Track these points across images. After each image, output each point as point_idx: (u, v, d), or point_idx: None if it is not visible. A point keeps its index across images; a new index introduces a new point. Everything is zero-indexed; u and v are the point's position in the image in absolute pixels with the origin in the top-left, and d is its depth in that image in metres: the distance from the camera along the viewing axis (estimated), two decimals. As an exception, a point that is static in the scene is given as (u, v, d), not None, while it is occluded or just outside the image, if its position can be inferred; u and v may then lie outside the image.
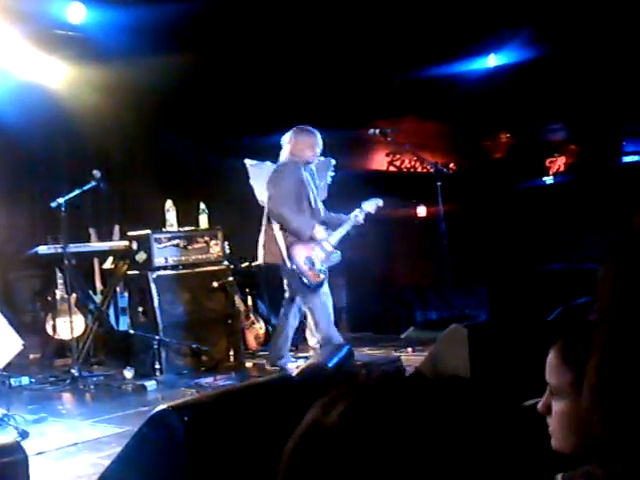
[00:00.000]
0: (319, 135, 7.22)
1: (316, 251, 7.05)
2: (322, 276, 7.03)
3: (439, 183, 6.52)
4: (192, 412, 3.33)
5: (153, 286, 7.59)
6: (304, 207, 7.11)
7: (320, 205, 7.31)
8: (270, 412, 3.74)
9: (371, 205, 7.34)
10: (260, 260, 7.42)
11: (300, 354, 8.09)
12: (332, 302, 7.21)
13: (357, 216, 7.30)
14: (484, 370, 5.17)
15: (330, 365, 4.44)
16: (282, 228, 7.02)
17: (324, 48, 9.41)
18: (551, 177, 10.55)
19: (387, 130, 6.75)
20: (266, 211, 7.19)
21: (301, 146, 7.14)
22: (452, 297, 7.58)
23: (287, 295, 7.31)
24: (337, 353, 4.82)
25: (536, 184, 10.43)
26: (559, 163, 10.71)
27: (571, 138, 10.63)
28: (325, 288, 7.11)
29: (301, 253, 6.99)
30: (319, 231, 7.12)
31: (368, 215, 7.34)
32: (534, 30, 9.50)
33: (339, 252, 7.19)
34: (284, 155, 7.21)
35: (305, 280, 6.97)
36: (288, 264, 6.98)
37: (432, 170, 6.69)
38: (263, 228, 7.22)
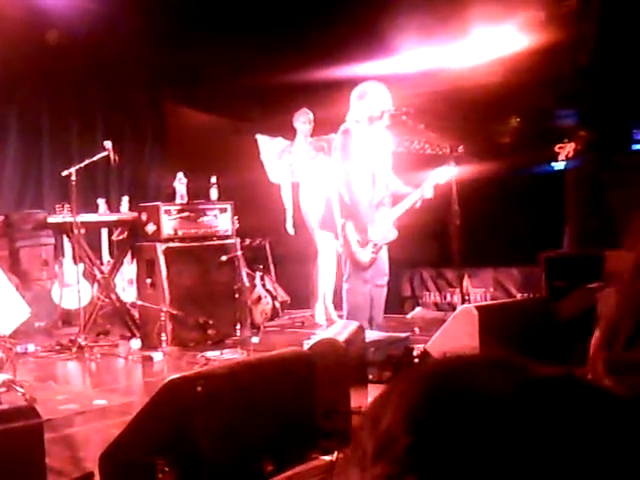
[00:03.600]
0: (386, 90, 6.59)
1: (371, 229, 6.55)
2: (372, 256, 6.59)
3: (452, 164, 6.48)
4: (205, 382, 3.35)
5: (161, 258, 7.58)
6: (367, 179, 6.58)
7: (386, 174, 6.73)
8: (282, 384, 3.76)
9: (440, 175, 6.67)
10: (317, 224, 7.25)
11: (306, 330, 8.13)
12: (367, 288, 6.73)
13: (424, 189, 6.64)
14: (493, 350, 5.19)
15: (341, 340, 4.46)
16: (340, 200, 6.60)
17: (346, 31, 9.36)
18: (560, 163, 10.53)
19: (402, 109, 6.64)
20: (330, 180, 6.94)
21: (366, 103, 6.56)
22: (459, 278, 7.57)
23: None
24: (347, 329, 4.84)
25: (545, 170, 10.41)
26: (568, 149, 10.68)
27: (581, 124, 10.59)
28: (368, 274, 6.65)
29: (354, 230, 6.52)
30: (378, 206, 6.62)
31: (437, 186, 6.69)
32: (545, 14, 9.45)
33: (395, 231, 6.68)
34: (351, 115, 6.65)
35: (353, 260, 6.58)
36: (340, 240, 6.62)
37: (445, 151, 6.64)
38: (326, 195, 6.96)
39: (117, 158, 7.71)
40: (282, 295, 9.09)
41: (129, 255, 8.49)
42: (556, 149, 10.68)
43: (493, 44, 9.61)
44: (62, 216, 7.78)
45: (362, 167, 6.57)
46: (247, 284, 8.27)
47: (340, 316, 7.65)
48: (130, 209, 8.56)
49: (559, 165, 10.54)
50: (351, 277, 6.68)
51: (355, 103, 6.65)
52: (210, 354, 6.87)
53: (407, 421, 0.75)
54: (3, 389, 5.47)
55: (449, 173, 6.67)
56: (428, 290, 9.61)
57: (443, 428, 0.74)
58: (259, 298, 8.63)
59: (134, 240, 8.11)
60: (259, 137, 8.80)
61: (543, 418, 0.73)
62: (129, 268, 8.62)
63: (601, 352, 1.38)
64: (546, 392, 0.76)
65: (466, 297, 8.00)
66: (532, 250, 8.67)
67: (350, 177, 6.54)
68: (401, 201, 6.73)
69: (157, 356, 7.05)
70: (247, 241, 8.98)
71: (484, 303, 8.13)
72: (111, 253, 8.98)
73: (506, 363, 0.80)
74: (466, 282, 8.75)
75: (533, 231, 9.35)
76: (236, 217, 8.19)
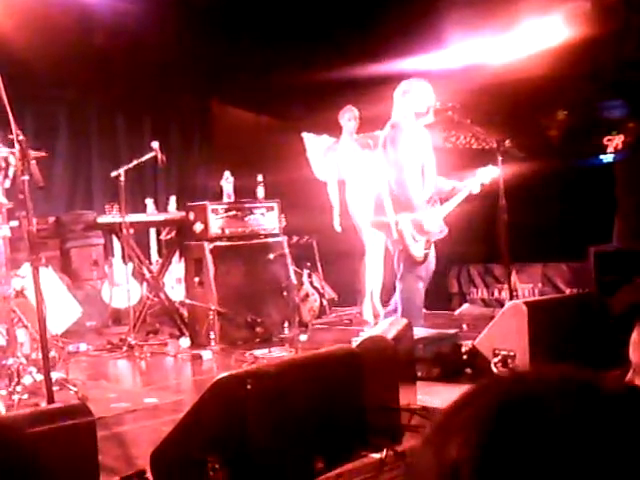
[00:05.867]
0: (429, 86, 6.58)
1: (424, 224, 6.49)
2: (425, 252, 6.54)
3: (500, 158, 6.41)
4: (255, 380, 3.37)
5: (209, 256, 7.64)
6: (417, 173, 6.53)
7: (433, 170, 6.69)
8: (331, 382, 3.76)
9: (486, 175, 6.62)
10: (369, 223, 7.20)
11: (354, 327, 8.12)
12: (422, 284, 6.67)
13: (469, 186, 6.62)
14: (543, 347, 5.15)
15: (389, 337, 4.45)
16: (392, 196, 6.50)
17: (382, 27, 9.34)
18: (609, 155, 10.39)
19: (448, 104, 6.59)
20: (381, 175, 6.83)
21: (415, 100, 6.54)
22: (507, 274, 7.50)
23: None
24: (395, 326, 4.83)
25: (593, 162, 10.29)
26: (617, 141, 10.53)
27: (630, 116, 10.43)
28: (422, 271, 6.61)
29: (408, 225, 6.45)
30: (429, 201, 6.58)
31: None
32: (590, 5, 9.33)
33: (446, 228, 6.62)
34: (397, 111, 6.64)
35: (408, 255, 6.49)
36: (393, 235, 6.52)
37: (492, 145, 6.57)
38: (377, 193, 6.84)
39: (165, 159, 7.75)
40: (329, 293, 9.11)
41: (177, 254, 8.56)
42: (605, 141, 10.54)
43: (539, 36, 9.52)
44: (111, 216, 7.86)
45: (413, 161, 6.51)
46: (295, 282, 8.29)
47: (388, 313, 7.64)
48: (178, 209, 8.63)
49: (608, 157, 10.41)
50: (405, 276, 6.58)
51: (399, 100, 6.62)
52: (258, 352, 6.89)
53: (474, 448, 0.76)
54: (56, 387, 5.53)
55: (493, 173, 6.60)
56: (476, 286, 9.55)
57: (510, 456, 0.74)
58: (307, 296, 8.65)
59: (182, 239, 8.17)
60: (305, 135, 8.83)
61: (610, 440, 0.73)
62: (177, 267, 8.69)
63: None
64: (612, 412, 0.75)
65: (514, 293, 7.94)
66: (582, 245, 8.58)
67: (402, 170, 6.48)
68: (448, 197, 6.67)
69: (206, 354, 7.09)
70: (294, 239, 9.00)
71: (533, 299, 8.05)
72: (159, 252, 9.07)
73: (571, 381, 0.79)
74: (514, 278, 8.68)
75: (582, 225, 9.24)
76: (283, 215, 8.22)
